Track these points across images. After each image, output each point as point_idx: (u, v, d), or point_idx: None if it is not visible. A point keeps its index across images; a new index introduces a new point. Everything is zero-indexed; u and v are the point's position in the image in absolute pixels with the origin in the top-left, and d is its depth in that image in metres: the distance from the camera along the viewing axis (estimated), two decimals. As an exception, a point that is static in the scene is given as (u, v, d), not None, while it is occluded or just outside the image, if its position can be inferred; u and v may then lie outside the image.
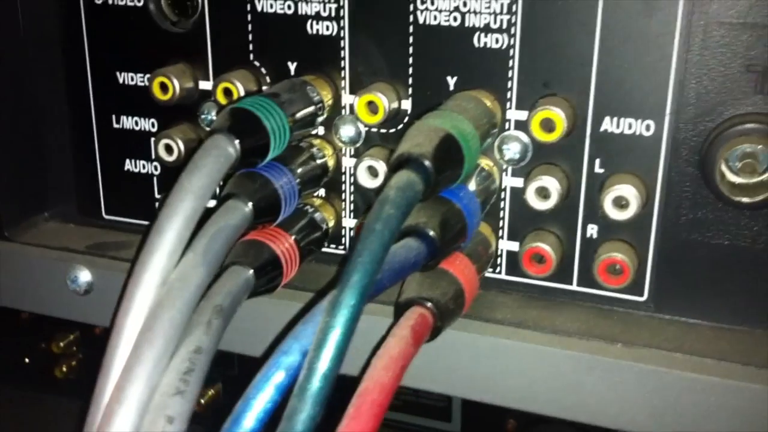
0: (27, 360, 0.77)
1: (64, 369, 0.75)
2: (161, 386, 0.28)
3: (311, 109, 0.40)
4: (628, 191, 0.37)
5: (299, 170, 0.40)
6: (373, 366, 0.29)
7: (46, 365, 0.75)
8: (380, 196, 0.30)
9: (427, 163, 0.32)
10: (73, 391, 0.75)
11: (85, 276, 0.45)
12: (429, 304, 0.34)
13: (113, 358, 0.29)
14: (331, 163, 0.42)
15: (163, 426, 0.26)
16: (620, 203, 0.38)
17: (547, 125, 0.38)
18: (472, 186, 0.38)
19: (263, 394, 0.28)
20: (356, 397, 0.28)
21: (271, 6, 0.42)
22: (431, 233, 0.33)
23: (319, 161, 0.41)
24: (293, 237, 0.39)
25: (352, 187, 0.43)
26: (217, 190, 0.36)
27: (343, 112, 0.42)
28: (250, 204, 0.36)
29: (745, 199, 0.36)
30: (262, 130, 0.36)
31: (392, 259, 0.32)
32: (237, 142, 0.35)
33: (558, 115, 0.37)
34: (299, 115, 0.39)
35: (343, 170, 0.43)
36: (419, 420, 0.65)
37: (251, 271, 0.36)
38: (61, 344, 0.74)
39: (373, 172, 0.41)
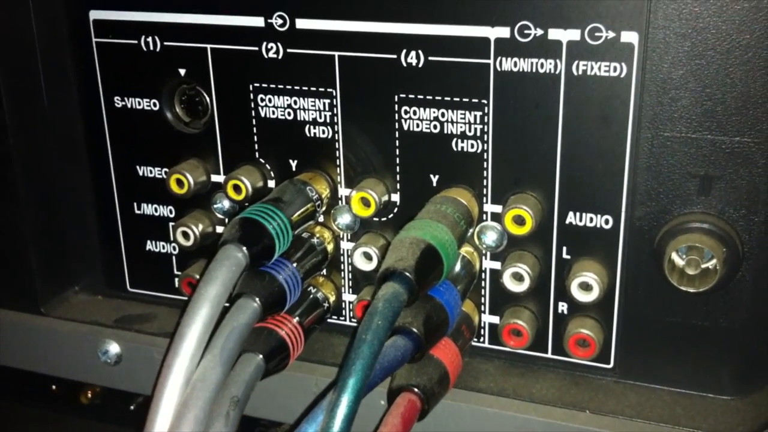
0: (54, 387, 0.81)
1: (89, 395, 0.77)
2: (189, 480, 0.33)
3: (310, 206, 0.45)
4: (591, 277, 0.43)
5: (302, 261, 0.45)
6: (367, 454, 0.35)
7: (72, 392, 0.78)
8: (370, 307, 0.36)
9: (409, 275, 0.37)
10: (97, 415, 0.79)
11: (114, 348, 0.51)
12: (416, 390, 0.39)
13: (148, 453, 0.35)
14: (330, 248, 0.48)
15: None
16: (585, 287, 0.43)
17: (519, 220, 0.43)
18: (456, 270, 0.44)
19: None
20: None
21: (273, 112, 0.47)
22: (416, 331, 0.39)
23: (319, 249, 0.47)
24: (297, 320, 0.45)
25: (350, 267, 0.49)
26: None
27: (339, 203, 0.47)
28: (258, 300, 0.41)
29: (691, 289, 0.41)
30: (267, 235, 0.41)
31: (382, 358, 0.37)
32: (245, 249, 0.40)
33: (527, 212, 0.42)
34: (299, 214, 0.44)
35: (341, 251, 0.49)
36: None
37: (261, 357, 0.41)
38: None
39: (367, 256, 0.46)
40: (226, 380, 0.38)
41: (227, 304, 0.40)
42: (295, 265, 0.44)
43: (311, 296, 0.47)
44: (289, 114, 0.47)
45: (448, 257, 0.39)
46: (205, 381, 0.36)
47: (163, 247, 0.53)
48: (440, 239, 0.39)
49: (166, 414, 0.36)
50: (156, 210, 0.52)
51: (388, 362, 0.37)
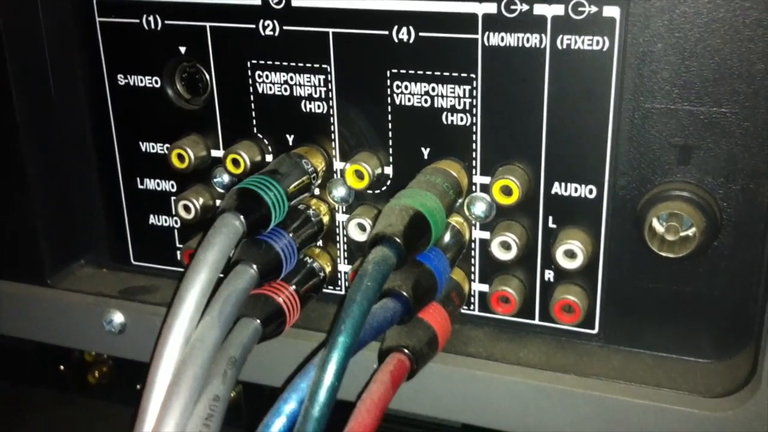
0: (62, 367, 0.82)
1: (96, 375, 0.80)
2: (188, 430, 0.35)
3: (306, 179, 0.47)
4: (576, 245, 0.44)
5: (298, 231, 0.47)
6: (358, 409, 0.36)
7: (80, 371, 0.80)
8: (360, 269, 0.37)
9: (398, 240, 0.39)
10: (104, 395, 0.80)
11: (118, 318, 0.53)
12: (406, 351, 0.41)
13: (147, 408, 0.37)
14: (326, 220, 0.49)
15: (191, 465, 0.34)
16: (569, 254, 0.44)
17: (506, 191, 0.44)
18: (446, 240, 0.45)
19: (269, 436, 0.35)
20: (343, 435, 0.35)
21: (270, 89, 0.48)
22: (405, 294, 0.40)
23: (314, 220, 0.48)
24: (294, 287, 0.46)
25: (345, 238, 0.50)
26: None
27: (335, 176, 0.49)
28: (255, 267, 0.43)
29: (671, 255, 0.42)
30: (263, 205, 0.43)
31: (372, 318, 0.39)
32: (243, 218, 0.42)
33: (514, 183, 0.44)
34: (295, 186, 0.46)
35: (337, 223, 0.50)
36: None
37: (258, 322, 0.43)
38: (93, 353, 0.78)
39: (362, 228, 0.48)
40: (224, 342, 0.40)
41: (222, 275, 0.42)
42: (291, 235, 0.46)
43: (308, 266, 0.49)
44: (285, 90, 0.48)
45: (436, 224, 0.41)
46: (203, 341, 0.38)
47: (166, 221, 0.54)
48: (429, 207, 0.41)
49: (166, 372, 0.37)
50: (158, 185, 0.54)
51: (378, 323, 0.39)
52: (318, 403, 0.34)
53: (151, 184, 0.54)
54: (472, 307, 0.49)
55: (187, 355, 0.38)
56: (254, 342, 0.42)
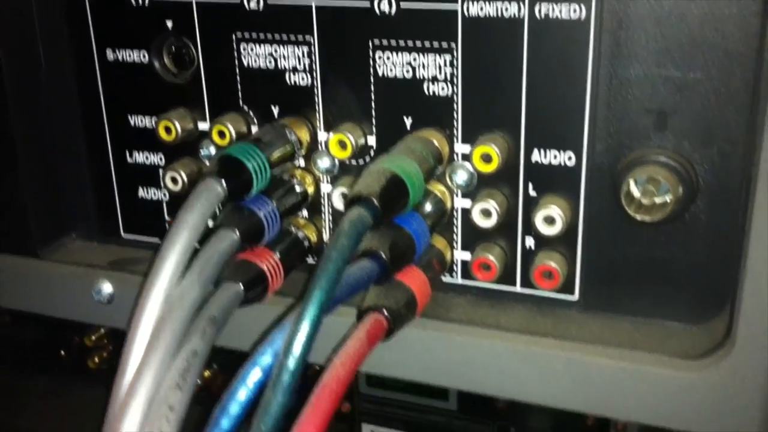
0: (62, 353, 0.83)
1: (96, 360, 0.81)
2: (165, 382, 0.36)
3: (289, 148, 0.47)
4: (555, 211, 0.45)
5: (281, 200, 0.47)
6: (333, 362, 0.37)
7: (80, 357, 0.81)
8: (337, 229, 0.38)
9: (374, 200, 0.39)
10: (104, 380, 0.81)
11: (107, 288, 0.54)
12: (384, 311, 0.41)
13: (128, 361, 0.37)
14: (311, 190, 0.50)
15: (166, 413, 0.34)
16: (549, 221, 0.45)
17: (486, 158, 0.45)
18: (427, 208, 0.46)
19: (244, 386, 0.36)
20: (317, 387, 0.35)
21: (255, 61, 0.49)
22: (382, 254, 0.41)
23: (299, 190, 0.49)
24: (278, 255, 0.47)
25: (330, 209, 0.51)
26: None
27: (319, 147, 0.50)
28: (237, 231, 0.43)
29: (647, 219, 0.43)
30: (245, 171, 0.44)
31: (349, 277, 0.40)
32: (224, 182, 0.42)
33: (494, 150, 0.45)
34: (278, 154, 0.46)
35: (322, 194, 0.51)
36: (419, 399, 0.69)
37: (240, 285, 0.44)
38: (93, 338, 0.79)
39: (346, 198, 0.49)
40: (206, 304, 0.41)
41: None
42: (274, 203, 0.47)
43: (292, 235, 0.50)
44: (270, 63, 0.49)
45: (414, 187, 0.41)
46: (183, 299, 0.39)
47: (155, 194, 0.55)
48: (406, 170, 0.41)
49: (146, 328, 0.38)
50: (147, 158, 0.54)
51: (354, 281, 0.39)
52: (293, 356, 0.35)
53: (140, 157, 0.55)
54: (454, 275, 0.50)
55: (166, 312, 0.38)
56: (235, 305, 0.43)
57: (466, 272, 0.49)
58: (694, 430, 0.43)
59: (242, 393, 0.36)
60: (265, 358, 0.37)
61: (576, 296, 0.47)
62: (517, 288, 0.48)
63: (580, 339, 0.45)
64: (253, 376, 0.36)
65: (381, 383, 0.69)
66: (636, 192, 0.43)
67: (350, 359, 0.37)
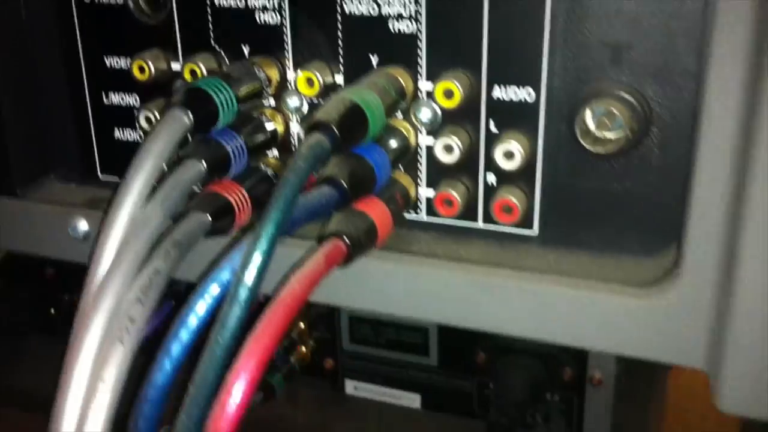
0: (52, 311, 0.84)
1: None
2: (127, 296, 0.37)
3: (257, 84, 0.49)
4: (514, 146, 0.46)
5: (250, 135, 0.49)
6: (289, 279, 0.38)
7: (69, 315, 0.84)
8: (295, 154, 0.39)
9: (332, 126, 0.40)
10: None
11: (83, 226, 0.55)
12: (344, 237, 0.43)
13: (93, 279, 0.39)
14: (280, 129, 0.51)
15: (127, 324, 0.36)
16: (508, 155, 0.46)
17: (448, 94, 0.46)
18: (392, 144, 0.47)
19: (202, 300, 0.37)
20: (272, 301, 0.37)
21: (226, 1, 0.50)
22: (341, 181, 0.42)
23: (269, 128, 0.50)
24: (245, 188, 0.48)
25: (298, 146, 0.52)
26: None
27: (288, 86, 0.51)
28: (203, 161, 0.45)
29: (601, 151, 0.44)
30: (211, 103, 0.45)
31: (308, 201, 0.41)
32: (190, 113, 0.44)
33: (455, 85, 0.46)
34: (246, 90, 0.48)
35: (292, 134, 0.52)
36: (400, 355, 0.71)
37: (206, 215, 0.45)
38: None
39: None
40: (171, 230, 0.42)
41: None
42: (242, 138, 0.48)
43: (261, 172, 0.51)
44: (240, 2, 0.50)
45: (373, 116, 0.43)
46: (147, 221, 0.40)
47: (130, 135, 0.56)
48: (366, 100, 0.43)
49: (110, 250, 0.40)
50: (123, 99, 0.56)
51: (312, 205, 0.41)
52: (249, 271, 0.36)
53: (115, 98, 0.56)
54: (419, 212, 0.51)
55: (130, 233, 0.40)
56: (201, 233, 0.44)
57: (431, 209, 0.50)
58: (644, 355, 0.45)
59: (201, 306, 0.37)
60: (224, 274, 0.38)
61: (535, 230, 0.49)
62: (479, 224, 0.50)
63: (538, 270, 0.47)
64: (212, 291, 0.38)
65: (364, 340, 0.71)
66: (591, 125, 0.44)
67: (306, 278, 0.39)
